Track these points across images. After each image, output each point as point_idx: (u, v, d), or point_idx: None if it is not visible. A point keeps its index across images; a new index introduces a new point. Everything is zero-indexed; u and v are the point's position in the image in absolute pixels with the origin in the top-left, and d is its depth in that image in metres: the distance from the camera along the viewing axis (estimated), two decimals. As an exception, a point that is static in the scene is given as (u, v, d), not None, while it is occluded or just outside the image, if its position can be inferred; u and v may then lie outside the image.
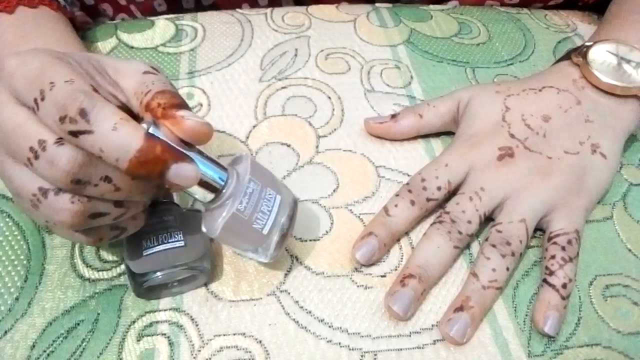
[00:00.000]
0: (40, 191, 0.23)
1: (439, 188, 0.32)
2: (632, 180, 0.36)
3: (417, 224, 0.33)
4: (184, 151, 0.23)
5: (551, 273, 0.29)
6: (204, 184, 0.24)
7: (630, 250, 0.32)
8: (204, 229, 0.26)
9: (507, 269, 0.29)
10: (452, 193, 0.32)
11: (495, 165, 0.32)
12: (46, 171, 0.22)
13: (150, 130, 0.23)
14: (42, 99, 0.21)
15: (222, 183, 0.25)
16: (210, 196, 0.25)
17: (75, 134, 0.21)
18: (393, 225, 0.31)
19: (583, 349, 0.28)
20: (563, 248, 0.30)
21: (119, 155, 0.21)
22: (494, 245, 0.30)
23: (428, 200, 0.32)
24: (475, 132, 0.34)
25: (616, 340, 0.28)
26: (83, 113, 0.21)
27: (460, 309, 0.28)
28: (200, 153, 0.25)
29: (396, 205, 0.31)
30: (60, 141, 0.22)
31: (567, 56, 0.38)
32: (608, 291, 0.30)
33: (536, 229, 0.32)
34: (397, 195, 0.32)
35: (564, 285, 0.29)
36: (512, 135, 0.33)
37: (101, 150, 0.21)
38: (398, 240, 0.32)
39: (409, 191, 0.32)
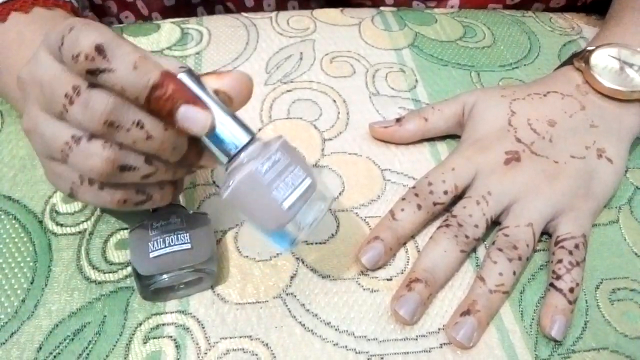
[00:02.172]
0: (73, 139, 0.23)
1: (445, 192, 0.32)
2: (638, 184, 0.36)
3: (423, 228, 0.33)
4: (205, 101, 0.23)
5: (558, 277, 0.29)
6: (223, 140, 0.24)
7: (636, 254, 0.32)
8: (220, 192, 0.24)
9: (514, 273, 0.29)
10: (459, 197, 0.32)
11: (502, 170, 0.32)
12: (80, 115, 0.22)
13: (180, 76, 0.23)
14: (62, 44, 0.22)
15: (242, 143, 0.24)
16: (227, 156, 0.24)
17: (93, 72, 0.21)
18: (399, 229, 0.31)
19: (590, 352, 0.28)
20: (570, 252, 0.30)
21: (138, 93, 0.22)
22: (500, 249, 0.30)
23: (435, 204, 0.32)
24: (481, 136, 0.34)
25: (623, 345, 0.28)
26: (100, 50, 0.21)
27: (466, 312, 0.28)
28: (230, 113, 0.24)
29: (402, 209, 0.31)
30: (93, 85, 0.22)
31: (570, 60, 0.38)
32: (615, 295, 0.30)
33: (542, 233, 0.32)
34: (403, 199, 0.32)
35: (571, 290, 0.29)
36: (519, 140, 0.33)
37: (123, 89, 0.22)
38: (404, 244, 0.32)
39: (416, 195, 0.32)
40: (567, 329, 0.28)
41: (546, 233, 0.32)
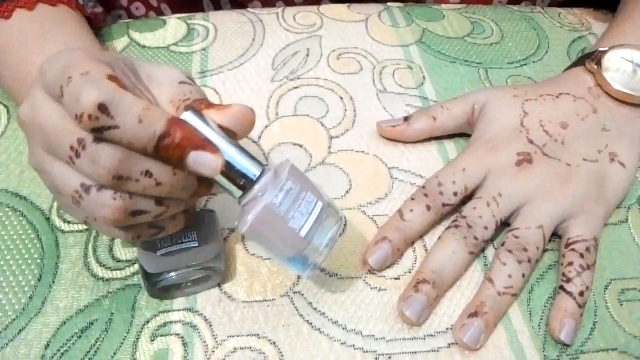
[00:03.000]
0: (82, 187, 0.23)
1: (455, 194, 0.32)
2: (648, 183, 0.35)
3: (432, 227, 0.32)
4: (214, 141, 0.23)
5: (568, 280, 0.29)
6: (235, 175, 0.24)
7: (646, 254, 0.32)
8: (238, 226, 0.25)
9: (523, 275, 0.29)
10: (468, 197, 0.32)
11: (514, 171, 0.32)
12: (88, 169, 0.22)
13: (184, 116, 0.23)
14: (62, 96, 0.21)
15: (254, 177, 0.24)
16: (241, 191, 0.24)
17: (98, 130, 0.21)
18: (408, 230, 0.31)
19: (599, 353, 0.28)
20: (581, 255, 0.29)
21: (146, 144, 0.22)
22: (510, 251, 0.29)
23: (444, 205, 0.31)
24: (493, 136, 0.33)
25: (633, 346, 0.28)
26: (104, 108, 0.20)
27: (474, 314, 0.28)
28: (238, 147, 0.24)
29: (412, 210, 0.31)
30: (99, 139, 0.21)
31: (581, 61, 0.37)
32: (624, 296, 0.30)
33: (552, 234, 0.31)
34: (412, 199, 0.32)
35: (581, 293, 0.28)
36: (531, 141, 0.33)
37: (130, 142, 0.21)
38: (412, 244, 0.32)
39: (425, 195, 0.32)
40: (576, 333, 0.28)
41: (556, 234, 0.32)
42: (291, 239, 0.24)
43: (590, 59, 0.36)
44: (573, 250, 0.30)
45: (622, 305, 0.30)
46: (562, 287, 0.29)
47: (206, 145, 0.23)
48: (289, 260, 0.25)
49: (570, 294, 0.28)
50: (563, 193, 0.31)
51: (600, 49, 0.36)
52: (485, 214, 0.30)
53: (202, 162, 0.22)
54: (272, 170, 0.25)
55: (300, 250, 0.25)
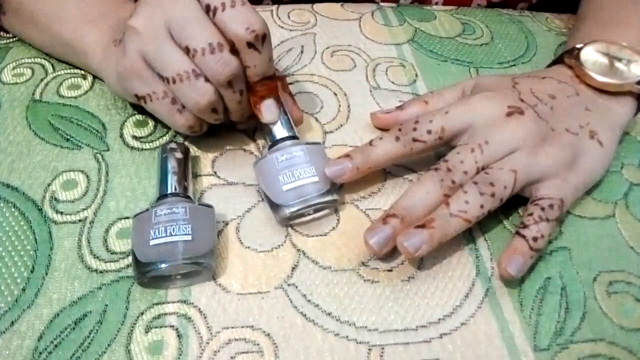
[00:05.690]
0: (193, 73, 0.29)
1: (429, 131, 0.32)
2: (633, 180, 0.36)
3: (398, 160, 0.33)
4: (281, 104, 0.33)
5: (525, 227, 0.30)
6: (277, 129, 0.33)
7: (632, 247, 0.33)
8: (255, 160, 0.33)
9: (482, 206, 0.29)
10: (445, 143, 0.33)
11: (504, 120, 0.32)
12: (214, 65, 0.29)
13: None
14: (233, 6, 0.28)
15: (284, 135, 0.33)
16: (275, 136, 0.33)
17: (252, 46, 0.29)
18: (372, 154, 0.32)
19: (588, 344, 0.28)
20: (542, 209, 0.30)
21: (261, 73, 0.30)
22: (475, 183, 0.30)
23: (414, 140, 0.32)
24: (486, 90, 0.34)
25: (620, 336, 0.29)
26: (264, 37, 0.29)
27: (421, 225, 0.29)
28: (287, 117, 0.34)
29: (381, 138, 0.32)
30: (234, 50, 0.29)
31: (560, 59, 0.38)
32: (612, 287, 0.31)
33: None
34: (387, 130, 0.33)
35: (535, 239, 0.29)
36: (522, 100, 0.33)
37: (255, 66, 0.30)
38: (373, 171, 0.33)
39: (399, 130, 0.33)
40: (524, 270, 0.29)
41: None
42: (276, 188, 0.31)
43: (568, 55, 0.37)
44: (536, 204, 0.31)
45: (610, 297, 0.30)
46: (517, 232, 0.30)
47: (279, 103, 0.33)
48: (271, 205, 0.32)
49: (523, 236, 0.29)
50: (544, 153, 0.31)
51: (577, 46, 0.37)
52: (468, 159, 0.31)
53: (270, 109, 0.32)
54: (297, 140, 0.33)
55: (280, 200, 0.31)
